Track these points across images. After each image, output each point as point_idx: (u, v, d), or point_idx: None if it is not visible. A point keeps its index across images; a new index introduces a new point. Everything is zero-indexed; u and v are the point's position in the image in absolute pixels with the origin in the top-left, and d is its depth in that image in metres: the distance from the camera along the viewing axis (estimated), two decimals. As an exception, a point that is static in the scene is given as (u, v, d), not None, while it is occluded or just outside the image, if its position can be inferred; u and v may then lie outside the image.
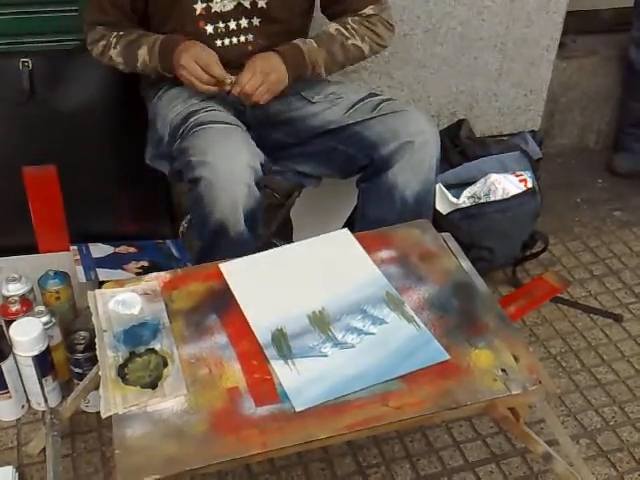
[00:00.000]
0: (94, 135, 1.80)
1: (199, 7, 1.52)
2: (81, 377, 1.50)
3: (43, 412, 1.56)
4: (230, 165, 1.39)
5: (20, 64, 1.71)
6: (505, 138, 2.04)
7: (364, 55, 1.63)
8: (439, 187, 1.80)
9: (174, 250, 1.95)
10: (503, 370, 1.20)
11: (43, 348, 1.50)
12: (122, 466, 1.06)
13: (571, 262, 2.06)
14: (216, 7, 1.52)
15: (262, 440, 1.09)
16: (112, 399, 1.14)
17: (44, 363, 1.52)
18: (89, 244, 1.89)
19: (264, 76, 1.48)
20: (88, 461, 1.50)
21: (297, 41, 1.55)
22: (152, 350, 1.22)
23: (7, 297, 1.58)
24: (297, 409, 1.12)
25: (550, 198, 2.22)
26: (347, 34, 1.58)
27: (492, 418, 1.49)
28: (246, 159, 1.41)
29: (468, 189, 1.81)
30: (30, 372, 1.51)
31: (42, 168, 1.74)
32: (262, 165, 1.45)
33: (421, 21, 2.01)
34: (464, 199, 1.80)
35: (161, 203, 1.99)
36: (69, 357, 1.55)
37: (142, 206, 1.95)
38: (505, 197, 1.79)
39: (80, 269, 1.79)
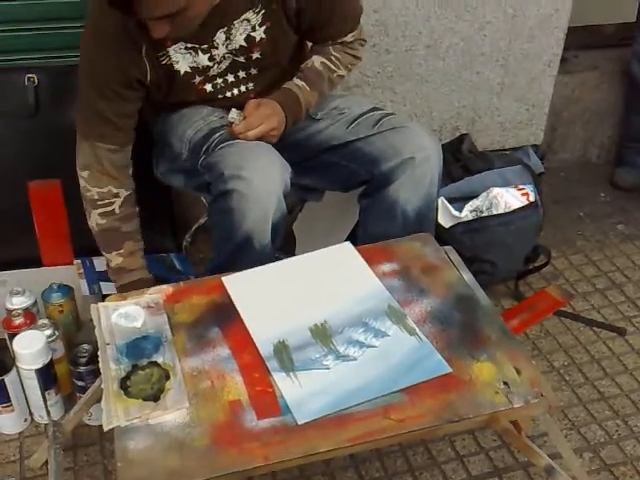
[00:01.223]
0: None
1: (197, 79, 1.53)
2: (84, 390, 1.50)
3: (46, 425, 1.57)
4: (264, 178, 1.41)
5: (25, 79, 1.73)
6: (507, 152, 2.05)
7: (343, 80, 1.69)
8: (441, 201, 1.81)
9: (177, 264, 1.96)
10: (505, 383, 1.20)
11: (46, 361, 1.51)
12: (124, 479, 1.06)
13: (574, 275, 2.06)
14: (212, 72, 1.53)
15: (264, 453, 1.09)
16: (114, 412, 1.15)
17: (47, 376, 1.52)
18: (93, 258, 1.89)
19: (268, 124, 1.49)
20: (90, 474, 1.50)
21: (292, 87, 1.56)
22: (154, 363, 1.23)
23: (11, 310, 1.59)
24: (299, 422, 1.12)
25: (553, 212, 2.23)
26: (332, 67, 1.61)
27: (494, 431, 1.48)
28: (278, 172, 1.43)
29: (470, 203, 1.81)
30: (33, 385, 1.51)
31: (47, 182, 1.75)
32: (290, 179, 1.47)
33: (423, 37, 2.02)
34: (466, 212, 1.80)
35: (164, 217, 1.99)
36: (72, 370, 1.55)
37: (145, 220, 1.93)
38: (507, 210, 1.80)
39: (83, 282, 1.79)
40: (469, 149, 1.94)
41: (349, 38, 1.62)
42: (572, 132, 2.46)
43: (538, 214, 1.87)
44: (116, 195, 1.54)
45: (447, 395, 1.17)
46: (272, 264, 1.43)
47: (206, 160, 1.50)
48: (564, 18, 2.09)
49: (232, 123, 1.49)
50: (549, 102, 2.25)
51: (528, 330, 1.86)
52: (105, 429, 1.13)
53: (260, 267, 1.42)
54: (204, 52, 1.49)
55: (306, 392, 1.17)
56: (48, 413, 1.54)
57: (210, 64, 1.51)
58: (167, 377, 1.20)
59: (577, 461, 1.38)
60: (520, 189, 1.84)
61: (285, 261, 1.45)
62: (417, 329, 1.28)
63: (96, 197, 1.54)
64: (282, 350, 1.25)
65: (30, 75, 1.72)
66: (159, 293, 1.37)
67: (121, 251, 1.56)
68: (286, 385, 1.18)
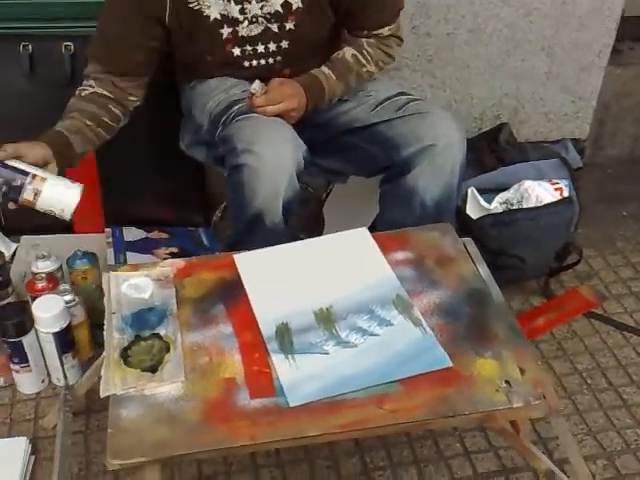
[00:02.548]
0: (130, 119, 1.83)
1: (225, 32, 1.51)
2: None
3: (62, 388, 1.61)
4: (275, 155, 1.40)
5: (62, 47, 1.76)
6: (545, 145, 1.98)
7: (373, 77, 1.64)
8: (471, 191, 1.77)
9: (205, 239, 1.98)
10: (507, 382, 1.16)
11: (64, 325, 1.54)
12: (112, 445, 1.08)
13: (609, 277, 1.99)
14: (243, 32, 1.51)
15: (251, 432, 1.08)
16: (112, 380, 1.17)
17: (64, 340, 1.56)
18: (123, 227, 1.93)
19: (289, 103, 1.48)
20: (99, 439, 1.53)
21: (318, 73, 1.55)
22: (157, 335, 1.24)
23: (35, 274, 1.63)
24: (291, 404, 1.12)
25: (595, 210, 2.15)
26: (363, 61, 1.58)
27: (492, 430, 1.45)
28: (291, 150, 1.42)
29: (501, 195, 1.76)
30: (50, 348, 1.55)
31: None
32: (304, 158, 1.45)
33: (466, 21, 1.97)
34: (496, 204, 1.75)
35: (196, 191, 2.02)
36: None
37: (177, 193, 1.98)
38: (538, 205, 1.74)
39: (111, 251, 1.83)
40: (507, 139, 1.88)
41: (385, 31, 1.59)
42: (621, 127, 2.36)
43: (572, 210, 1.80)
44: (91, 86, 1.51)
45: (445, 389, 1.15)
46: (285, 245, 1.42)
47: (223, 132, 1.50)
48: (617, 7, 2.00)
49: (253, 94, 1.48)
50: (597, 95, 2.16)
51: (555, 330, 1.81)
52: (102, 395, 1.15)
53: (273, 247, 1.41)
54: (236, 2, 1.47)
55: (302, 375, 1.16)
56: (65, 376, 1.58)
57: (240, 17, 1.49)
58: (167, 350, 1.21)
59: (586, 468, 1.33)
60: (554, 183, 1.77)
61: (299, 243, 1.44)
62: (423, 320, 1.26)
63: (77, 92, 1.52)
64: (284, 332, 1.24)
65: (67, 43, 1.76)
66: (171, 266, 1.38)
67: (64, 118, 1.48)
68: (283, 367, 1.18)
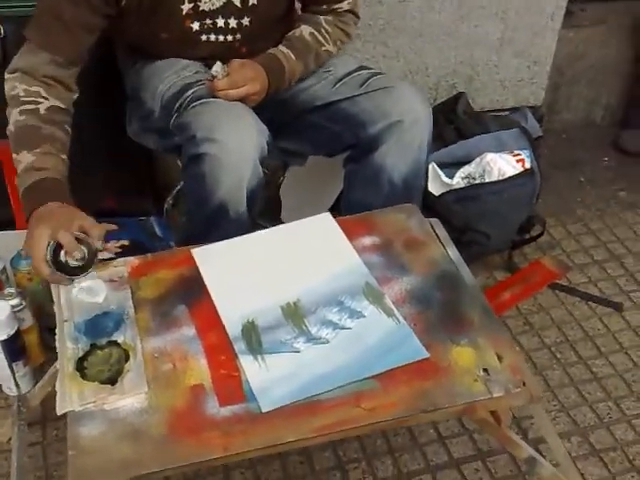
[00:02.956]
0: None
1: (186, 7, 1.40)
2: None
3: (14, 397, 1.51)
4: (239, 142, 1.32)
5: (-8, 30, 1.62)
6: (504, 114, 1.93)
7: (331, 57, 1.55)
8: (432, 166, 1.71)
9: (157, 228, 1.88)
10: (485, 370, 1.12)
11: (12, 332, 1.43)
12: (75, 468, 1.00)
13: (571, 246, 1.97)
14: (204, 6, 1.40)
15: (223, 443, 1.02)
16: (68, 395, 1.08)
17: (14, 348, 1.45)
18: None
19: (251, 87, 1.40)
20: (58, 450, 1.45)
21: (277, 53, 1.46)
22: (114, 342, 1.16)
23: (-24, 278, 1.52)
24: (263, 410, 1.06)
25: (552, 177, 2.13)
26: (322, 40, 1.50)
27: (472, 421, 1.41)
28: (254, 136, 1.34)
29: (462, 169, 1.71)
30: (-1, 357, 1.45)
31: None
32: (267, 143, 1.38)
33: (417, -12, 1.90)
34: (458, 180, 1.71)
35: (143, 178, 1.91)
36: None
37: (123, 181, 1.87)
38: (501, 178, 1.70)
39: (57, 248, 1.72)
40: (464, 110, 1.83)
41: (344, 5, 1.52)
42: (576, 91, 2.33)
43: (534, 182, 1.77)
44: (45, 98, 1.31)
45: (423, 382, 1.10)
46: (245, 236, 1.34)
47: (178, 120, 1.41)
48: (568, -32, 1.96)
49: (214, 77, 1.39)
50: (552, 59, 2.12)
51: (520, 304, 1.79)
52: (58, 413, 1.07)
53: (232, 239, 1.33)
54: None
55: (273, 377, 1.10)
56: (17, 385, 1.48)
57: None
58: (127, 358, 1.13)
59: (562, 448, 1.30)
60: (515, 155, 1.74)
61: (259, 233, 1.37)
62: (395, 310, 1.20)
63: (22, 94, 1.30)
64: (251, 331, 1.17)
65: (-4, 25, 1.62)
66: (124, 266, 1.30)
67: (36, 150, 1.25)
68: (252, 369, 1.11)
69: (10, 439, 1.44)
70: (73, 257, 1.19)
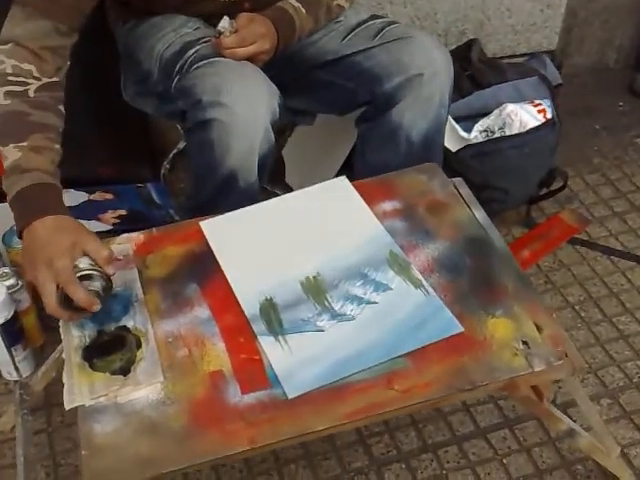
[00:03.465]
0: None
1: None
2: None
3: (15, 382, 1.43)
4: (249, 105, 1.21)
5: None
6: (521, 60, 1.82)
7: (342, 12, 1.43)
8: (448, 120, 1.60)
9: (155, 195, 1.78)
10: (524, 342, 1.05)
11: (9, 316, 1.34)
12: (89, 469, 0.92)
13: (590, 198, 1.89)
14: None
15: (250, 434, 0.95)
16: (77, 388, 1.00)
17: (12, 331, 1.36)
18: (64, 190, 1.71)
19: (261, 45, 1.28)
20: (66, 436, 1.38)
21: (287, 6, 1.33)
22: (124, 328, 1.07)
23: (-34, 258, 1.42)
24: (289, 396, 0.98)
25: (566, 125, 2.00)
26: None
27: (513, 399, 1.34)
28: (266, 98, 1.23)
29: (480, 122, 1.61)
30: (-3, 341, 1.36)
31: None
32: (279, 105, 1.27)
33: None
34: (476, 134, 1.60)
35: (138, 142, 1.80)
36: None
37: (118, 146, 1.76)
38: (522, 131, 1.59)
39: (52, 220, 1.62)
40: (478, 57, 1.71)
41: None
42: (589, 33, 2.21)
43: (555, 133, 1.67)
44: (36, 78, 1.16)
45: (458, 359, 1.03)
46: (256, 205, 1.25)
47: (181, 82, 1.29)
48: None
49: (221, 34, 1.26)
50: (566, 1, 2.00)
51: (540, 261, 1.71)
52: (67, 408, 0.99)
53: (243, 209, 1.24)
54: None
55: (297, 359, 1.02)
56: (17, 369, 1.40)
57: None
58: (138, 345, 1.05)
59: (597, 414, 1.25)
60: (536, 105, 1.63)
61: (271, 201, 1.27)
62: (423, 280, 1.12)
63: (9, 71, 1.15)
64: (269, 309, 1.09)
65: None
66: (128, 242, 1.20)
67: (23, 144, 1.10)
68: (275, 352, 1.03)
69: (13, 427, 1.37)
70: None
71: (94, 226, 1.61)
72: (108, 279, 1.05)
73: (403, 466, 1.35)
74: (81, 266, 1.03)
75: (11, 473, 1.32)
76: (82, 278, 1.02)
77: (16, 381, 1.35)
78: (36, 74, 1.15)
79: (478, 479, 1.33)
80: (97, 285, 1.04)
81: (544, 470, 1.33)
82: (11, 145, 1.10)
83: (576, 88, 2.23)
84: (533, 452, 1.36)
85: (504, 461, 1.35)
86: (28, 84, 1.15)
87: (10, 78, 1.14)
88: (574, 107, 2.15)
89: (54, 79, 1.18)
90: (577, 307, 1.62)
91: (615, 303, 1.63)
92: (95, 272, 1.03)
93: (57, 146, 1.15)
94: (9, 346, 1.37)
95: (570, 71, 2.23)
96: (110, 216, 1.67)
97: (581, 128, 2.10)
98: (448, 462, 1.35)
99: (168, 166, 1.85)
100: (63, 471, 1.33)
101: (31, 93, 1.15)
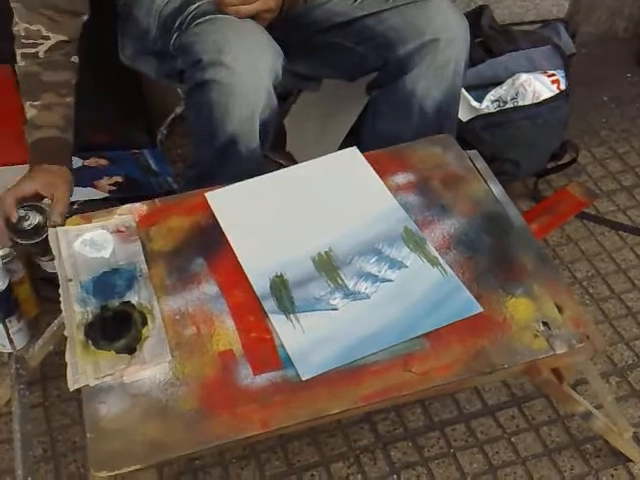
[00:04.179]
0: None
1: None
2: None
3: (9, 355, 1.38)
4: (251, 66, 1.15)
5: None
6: (532, 28, 1.76)
7: None
8: (460, 89, 1.55)
9: (151, 161, 1.71)
10: (545, 323, 1.01)
11: (3, 286, 1.29)
12: (94, 453, 0.89)
13: (598, 171, 1.84)
14: None
15: (263, 417, 0.91)
16: (81, 367, 0.95)
17: (6, 303, 1.31)
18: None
19: (265, 3, 1.21)
20: (63, 411, 1.33)
21: None
22: (128, 304, 1.02)
23: (-43, 227, 1.36)
24: (303, 377, 0.94)
25: (574, 96, 1.97)
26: None
27: (532, 382, 1.31)
28: (269, 59, 1.18)
29: (492, 92, 1.55)
30: (-10, 314, 1.31)
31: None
32: (282, 67, 1.21)
33: None
34: (487, 103, 1.55)
35: (134, 107, 1.73)
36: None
37: (112, 110, 1.69)
38: (536, 101, 1.54)
39: (44, 187, 1.55)
40: (489, 24, 1.65)
41: None
42: (598, 1, 2.15)
43: (568, 104, 1.62)
44: (45, 37, 1.24)
45: (477, 340, 0.99)
46: (265, 176, 1.20)
47: (180, 40, 1.23)
48: None
49: None
50: (577, -35, 1.94)
51: (548, 236, 1.67)
52: (71, 388, 0.94)
53: (251, 180, 1.18)
54: None
55: (310, 339, 0.98)
56: (11, 342, 1.35)
57: None
58: (144, 322, 1.00)
59: (609, 393, 1.22)
60: (550, 75, 1.58)
61: (279, 172, 1.21)
62: (440, 258, 1.08)
63: (22, 33, 1.24)
64: (280, 286, 1.04)
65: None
66: (131, 214, 1.14)
67: (36, 102, 1.24)
68: (287, 331, 0.99)
69: (9, 401, 1.32)
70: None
71: (90, 193, 1.54)
72: (45, 225, 1.19)
73: (410, 444, 1.32)
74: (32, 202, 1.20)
75: (6, 448, 1.28)
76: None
77: (10, 354, 1.31)
78: (45, 33, 1.23)
79: (486, 457, 1.30)
80: (39, 218, 1.21)
81: (553, 449, 1.31)
82: (28, 103, 1.25)
83: (583, 58, 2.16)
84: (541, 430, 1.33)
85: (512, 440, 1.32)
86: (38, 45, 1.23)
87: (23, 40, 1.24)
88: (581, 78, 2.07)
89: (65, 37, 1.25)
90: (585, 283, 1.59)
91: (623, 279, 1.60)
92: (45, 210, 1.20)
93: (69, 99, 1.27)
94: (3, 318, 1.32)
95: (577, 40, 2.17)
96: (106, 182, 1.60)
97: (588, 100, 2.04)
98: (455, 440, 1.32)
99: (165, 132, 1.78)
100: (61, 447, 1.29)
101: (41, 54, 1.24)
